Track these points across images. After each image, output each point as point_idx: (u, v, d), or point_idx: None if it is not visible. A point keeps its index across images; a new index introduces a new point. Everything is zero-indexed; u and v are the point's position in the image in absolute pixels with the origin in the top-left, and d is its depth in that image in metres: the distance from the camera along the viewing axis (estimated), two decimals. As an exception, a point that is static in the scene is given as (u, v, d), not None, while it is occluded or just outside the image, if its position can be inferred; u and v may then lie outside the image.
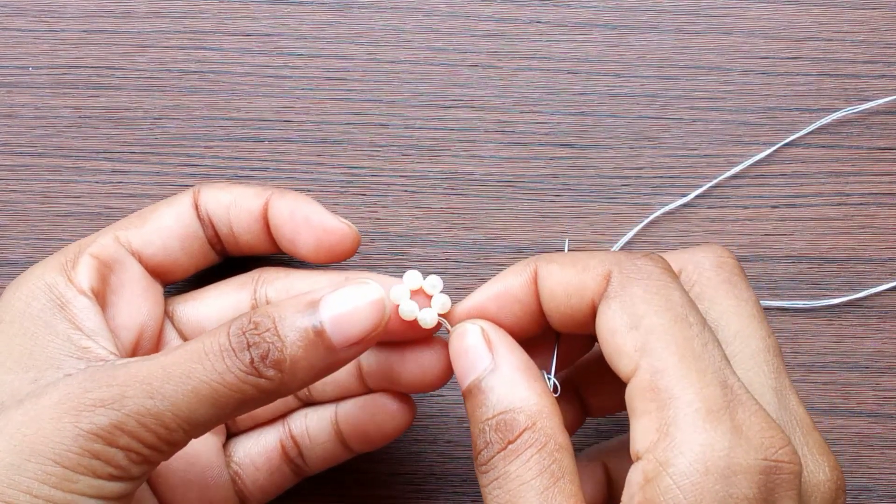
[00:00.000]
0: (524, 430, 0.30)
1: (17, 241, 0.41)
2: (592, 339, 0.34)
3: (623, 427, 0.39)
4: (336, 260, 0.36)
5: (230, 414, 0.30)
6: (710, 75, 0.42)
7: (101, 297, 0.33)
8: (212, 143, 0.41)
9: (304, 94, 0.42)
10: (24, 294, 0.33)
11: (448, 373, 0.34)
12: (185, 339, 0.36)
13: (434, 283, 0.34)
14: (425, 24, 0.42)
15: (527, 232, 0.41)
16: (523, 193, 0.41)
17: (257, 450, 0.36)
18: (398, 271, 0.40)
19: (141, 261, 0.35)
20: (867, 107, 0.41)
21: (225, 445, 0.36)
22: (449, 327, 0.33)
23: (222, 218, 0.36)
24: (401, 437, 0.39)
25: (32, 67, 0.42)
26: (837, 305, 0.40)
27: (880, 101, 0.41)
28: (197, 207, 0.36)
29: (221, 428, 0.36)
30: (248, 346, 0.29)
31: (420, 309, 0.33)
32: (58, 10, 0.42)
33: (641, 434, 0.28)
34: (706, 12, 0.42)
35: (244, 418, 0.36)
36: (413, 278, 0.33)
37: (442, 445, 0.40)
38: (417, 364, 0.34)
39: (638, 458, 0.28)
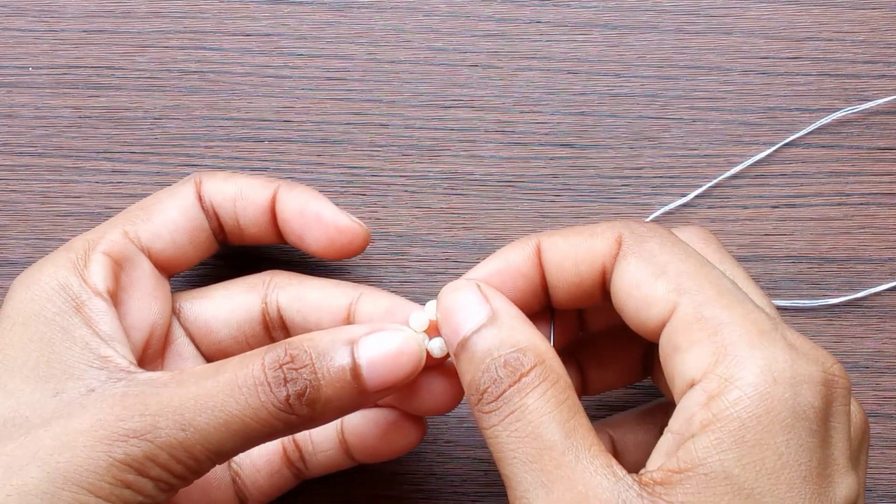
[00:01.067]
0: (535, 366, 0.29)
1: (17, 241, 0.41)
2: (583, 318, 0.34)
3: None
4: (345, 257, 0.36)
5: (253, 446, 0.30)
6: (710, 75, 0.42)
7: (114, 297, 0.33)
8: (212, 143, 0.41)
9: (304, 94, 0.42)
10: (37, 295, 0.32)
11: (458, 397, 0.34)
12: (192, 338, 0.36)
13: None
14: (425, 24, 0.42)
15: (527, 232, 0.41)
16: (523, 193, 0.41)
17: (258, 451, 0.36)
18: (398, 271, 0.40)
19: (150, 256, 0.35)
20: (867, 106, 0.41)
21: None
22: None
23: (228, 210, 0.36)
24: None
25: (32, 67, 0.42)
26: (837, 305, 0.40)
27: (880, 101, 0.41)
28: (200, 198, 0.36)
29: None
30: (286, 382, 0.29)
31: (430, 339, 0.33)
32: (58, 10, 0.42)
33: (695, 362, 0.28)
34: (706, 12, 0.42)
35: None
36: (431, 310, 0.33)
37: (442, 445, 0.40)
38: (428, 389, 0.34)
39: (693, 384, 0.28)
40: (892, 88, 0.42)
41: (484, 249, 0.41)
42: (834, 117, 0.41)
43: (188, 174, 0.39)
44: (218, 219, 0.36)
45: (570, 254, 0.32)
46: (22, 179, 0.41)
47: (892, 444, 0.40)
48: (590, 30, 0.42)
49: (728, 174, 0.41)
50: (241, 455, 0.35)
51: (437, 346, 0.32)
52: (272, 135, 0.41)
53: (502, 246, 0.40)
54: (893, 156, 0.41)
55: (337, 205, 0.40)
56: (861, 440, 0.30)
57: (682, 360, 0.29)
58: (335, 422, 0.36)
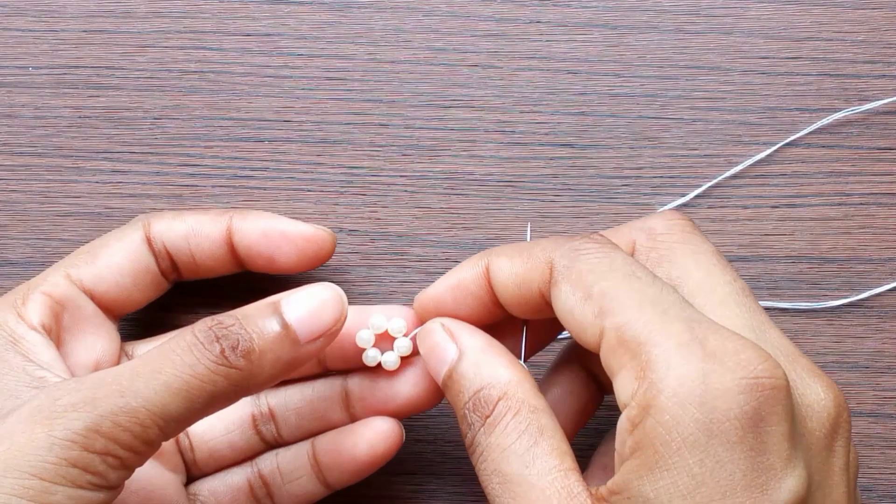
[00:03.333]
0: (497, 402, 0.31)
1: (17, 241, 0.41)
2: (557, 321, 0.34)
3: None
4: (316, 265, 0.37)
5: (201, 409, 0.30)
6: (710, 75, 0.42)
7: (55, 334, 0.33)
8: (212, 143, 0.41)
9: (304, 94, 0.42)
10: None
11: (434, 392, 0.35)
12: None
13: (399, 327, 0.35)
14: (425, 24, 0.42)
15: (527, 231, 0.41)
16: (523, 193, 0.41)
17: (223, 489, 0.36)
18: (398, 271, 0.40)
19: (93, 298, 0.35)
20: (868, 107, 0.41)
21: (189, 486, 0.36)
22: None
23: (181, 248, 0.36)
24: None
25: (32, 67, 0.42)
26: (837, 305, 0.40)
27: (881, 102, 0.41)
28: (149, 240, 0.36)
29: (180, 465, 0.36)
30: (217, 339, 0.30)
31: (383, 352, 0.35)
32: (58, 10, 0.42)
33: (622, 387, 0.29)
34: (706, 12, 0.42)
35: (207, 461, 0.36)
36: (378, 321, 0.35)
37: (442, 445, 0.40)
38: (408, 384, 0.35)
39: (623, 407, 0.29)
40: (892, 88, 0.42)
41: (484, 249, 0.40)
42: (835, 118, 0.41)
43: (188, 174, 0.39)
44: (171, 258, 0.36)
45: (512, 276, 0.33)
46: (22, 179, 0.41)
47: (892, 444, 0.40)
48: (590, 30, 0.42)
49: (728, 174, 0.41)
50: (206, 493, 0.36)
51: (390, 360, 0.35)
52: (272, 135, 0.41)
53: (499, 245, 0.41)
54: (893, 156, 0.41)
55: (337, 205, 0.41)
56: (831, 428, 0.29)
57: (616, 384, 0.29)
58: (305, 446, 0.36)
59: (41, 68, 0.42)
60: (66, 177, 0.41)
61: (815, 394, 0.29)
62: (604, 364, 0.30)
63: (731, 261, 0.40)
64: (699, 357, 0.27)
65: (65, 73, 0.42)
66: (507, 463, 0.30)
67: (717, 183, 0.41)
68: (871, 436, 0.40)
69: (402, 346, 0.35)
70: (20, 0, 0.42)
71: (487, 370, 0.32)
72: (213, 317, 0.31)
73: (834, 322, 0.40)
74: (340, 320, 0.32)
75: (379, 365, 0.35)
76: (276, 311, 0.31)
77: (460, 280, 0.34)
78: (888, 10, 0.42)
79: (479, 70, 0.42)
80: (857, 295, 0.40)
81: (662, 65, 0.42)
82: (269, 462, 0.36)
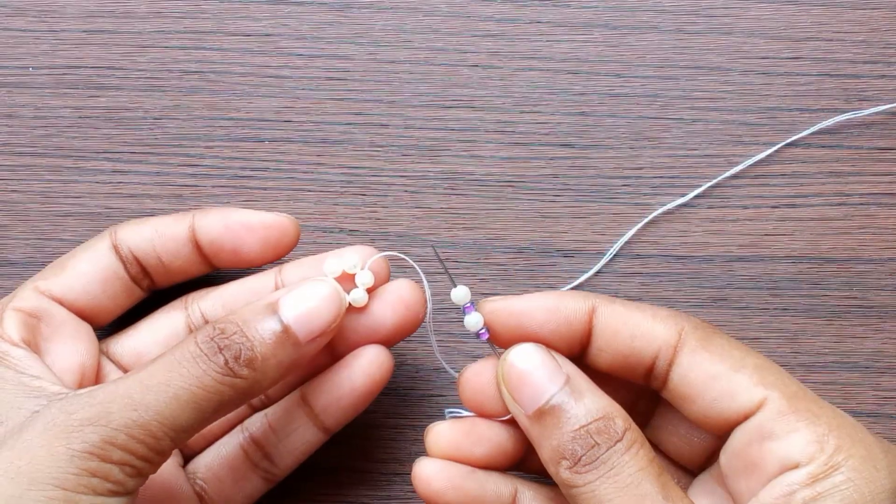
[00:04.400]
0: (626, 430, 0.31)
1: (17, 241, 0.41)
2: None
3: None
4: (283, 254, 0.36)
5: (209, 417, 0.31)
6: (710, 75, 0.42)
7: (35, 346, 0.34)
8: (212, 143, 0.41)
9: (304, 94, 0.42)
10: None
11: (416, 316, 0.35)
12: (125, 370, 0.36)
13: (354, 263, 0.35)
14: (425, 24, 0.42)
15: (527, 232, 0.41)
16: (523, 193, 0.41)
17: (218, 462, 0.36)
18: (398, 271, 0.40)
19: (63, 307, 0.35)
20: (871, 112, 0.41)
21: (186, 467, 0.36)
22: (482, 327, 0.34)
23: (147, 251, 0.36)
24: (401, 436, 0.39)
25: (32, 67, 0.42)
26: (837, 305, 0.40)
27: (882, 109, 0.41)
28: (116, 247, 0.36)
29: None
30: (220, 350, 0.30)
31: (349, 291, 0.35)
32: (58, 10, 0.42)
33: (795, 447, 0.30)
34: (706, 12, 0.42)
35: (196, 438, 0.36)
36: (332, 266, 0.35)
37: (442, 445, 0.39)
38: (386, 313, 0.35)
39: (796, 467, 0.30)
40: (892, 88, 0.42)
41: (484, 249, 0.41)
42: (836, 120, 0.41)
43: (188, 174, 0.39)
44: (139, 263, 0.36)
45: (629, 325, 0.33)
46: (22, 179, 0.41)
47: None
48: (590, 30, 0.42)
49: (728, 174, 0.41)
50: (203, 470, 0.36)
51: (359, 297, 0.34)
52: (272, 135, 0.41)
53: (502, 246, 0.41)
54: (893, 156, 0.41)
55: (337, 205, 0.41)
56: None
57: (779, 446, 0.31)
58: (294, 397, 0.36)
59: (41, 68, 0.42)
60: (66, 177, 0.41)
61: None
62: (752, 429, 0.31)
63: (731, 261, 0.40)
64: (873, 438, 0.31)
65: (65, 73, 0.42)
66: (645, 480, 0.30)
67: (717, 183, 0.41)
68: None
69: (365, 279, 0.35)
70: (20, 0, 0.42)
71: (605, 400, 0.32)
72: (215, 323, 0.31)
73: (834, 322, 0.40)
74: (339, 316, 0.33)
75: (350, 305, 0.35)
76: (275, 311, 0.32)
77: (561, 306, 0.33)
78: (888, 10, 0.42)
79: (479, 70, 0.42)
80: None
81: (662, 65, 0.42)
82: (258, 423, 0.36)
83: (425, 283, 0.36)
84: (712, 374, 0.32)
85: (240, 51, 0.42)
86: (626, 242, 0.41)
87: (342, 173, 0.41)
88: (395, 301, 0.35)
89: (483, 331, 0.34)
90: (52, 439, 0.29)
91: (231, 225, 0.36)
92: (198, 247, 0.36)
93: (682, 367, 0.32)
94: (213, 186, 0.41)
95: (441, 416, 0.39)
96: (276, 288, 0.36)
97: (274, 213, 0.36)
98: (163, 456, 0.30)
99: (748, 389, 0.31)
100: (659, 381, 0.33)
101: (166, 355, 0.31)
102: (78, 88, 0.42)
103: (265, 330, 0.31)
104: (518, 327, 0.33)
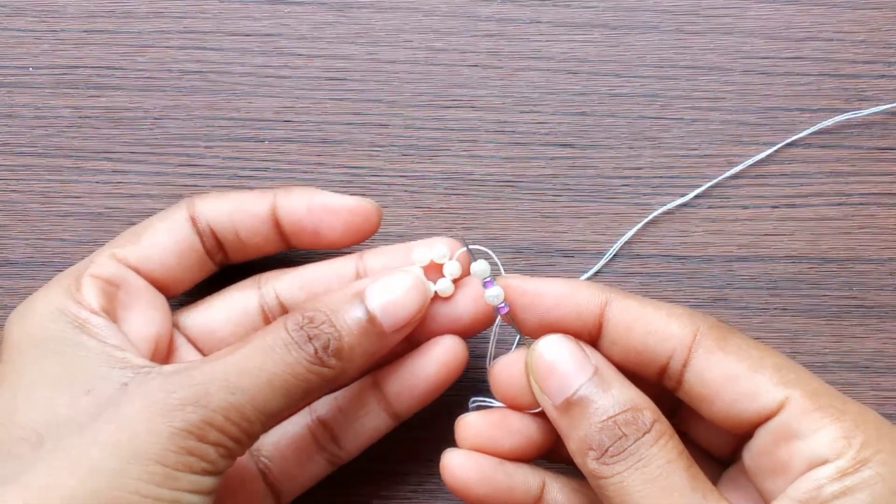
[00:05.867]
0: (654, 422, 0.31)
1: (17, 241, 0.41)
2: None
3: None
4: (363, 239, 0.37)
5: (296, 403, 0.31)
6: (710, 75, 0.42)
7: (113, 314, 0.33)
8: (212, 143, 0.41)
9: (304, 94, 0.42)
10: (37, 321, 0.32)
11: (491, 313, 0.35)
12: (195, 345, 0.36)
13: (443, 253, 0.35)
14: (425, 24, 0.42)
15: (527, 232, 0.41)
16: (523, 193, 0.41)
17: (285, 441, 0.36)
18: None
19: (141, 276, 0.35)
20: (871, 112, 0.41)
21: None
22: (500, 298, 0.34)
23: (226, 225, 0.36)
24: (401, 437, 0.39)
25: (32, 67, 0.42)
26: (837, 305, 0.40)
27: (882, 108, 0.41)
28: (194, 220, 0.36)
29: None
30: (310, 339, 0.31)
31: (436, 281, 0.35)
32: (58, 10, 0.42)
33: (824, 444, 0.30)
34: (706, 12, 0.42)
35: None
36: (421, 255, 0.35)
37: (442, 445, 0.39)
38: (468, 305, 0.35)
39: (824, 462, 0.30)
40: (892, 88, 0.42)
41: (482, 247, 0.41)
42: (836, 120, 0.41)
43: (188, 174, 0.39)
44: (215, 237, 0.36)
45: (644, 322, 0.33)
46: (22, 179, 0.41)
47: (891, 444, 0.40)
48: (590, 30, 0.42)
49: (728, 174, 0.41)
50: (269, 448, 0.36)
51: (446, 287, 0.35)
52: (272, 135, 0.41)
53: (502, 246, 0.41)
54: (893, 156, 0.41)
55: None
56: None
57: (806, 445, 0.30)
58: (366, 382, 0.36)
59: (41, 68, 0.42)
60: (66, 177, 0.41)
61: None
62: (784, 426, 0.31)
63: (730, 261, 0.40)
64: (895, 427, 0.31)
65: (65, 73, 0.42)
66: (675, 472, 0.30)
67: (717, 183, 0.41)
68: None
69: (453, 269, 0.35)
70: (20, 0, 0.42)
71: (633, 392, 0.32)
72: (303, 311, 0.32)
73: (834, 322, 0.40)
74: (424, 307, 0.33)
75: (435, 294, 0.35)
76: (361, 300, 0.32)
77: (574, 294, 0.33)
78: (888, 10, 0.42)
79: (479, 70, 0.42)
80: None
81: (662, 65, 0.42)
82: (327, 405, 0.36)
83: (508, 277, 0.35)
84: (730, 374, 0.32)
85: (240, 51, 0.42)
86: (626, 242, 0.41)
87: (342, 173, 0.41)
88: (479, 294, 0.35)
89: (503, 305, 0.34)
90: (155, 416, 0.29)
91: (314, 207, 0.36)
92: (277, 225, 0.36)
93: (698, 368, 0.32)
94: (213, 186, 0.41)
95: (443, 418, 0.40)
96: (358, 274, 0.36)
97: (357, 198, 0.36)
98: (252, 439, 0.31)
99: (769, 390, 0.31)
100: (673, 381, 0.33)
101: (256, 340, 0.31)
102: (78, 88, 0.42)
103: (352, 319, 0.32)
104: (531, 306, 0.34)
